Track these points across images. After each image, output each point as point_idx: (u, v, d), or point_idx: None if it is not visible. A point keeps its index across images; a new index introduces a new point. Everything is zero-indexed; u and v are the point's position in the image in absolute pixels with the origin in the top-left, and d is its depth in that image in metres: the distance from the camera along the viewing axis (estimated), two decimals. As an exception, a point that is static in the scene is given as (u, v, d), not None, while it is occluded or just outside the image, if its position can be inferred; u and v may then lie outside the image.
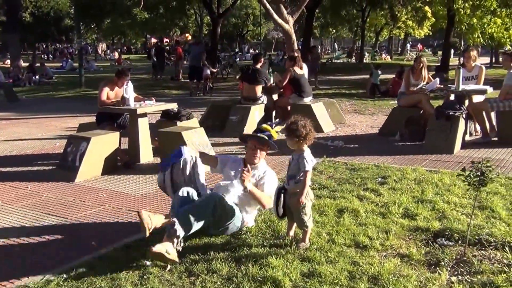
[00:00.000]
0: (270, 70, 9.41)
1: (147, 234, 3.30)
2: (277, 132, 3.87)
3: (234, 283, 2.97)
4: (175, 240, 3.28)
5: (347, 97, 13.63)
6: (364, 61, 34.66)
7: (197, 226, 3.42)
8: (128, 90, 6.33)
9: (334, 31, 45.43)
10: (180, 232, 3.29)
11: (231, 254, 3.36)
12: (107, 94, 6.58)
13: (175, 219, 3.33)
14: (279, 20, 10.71)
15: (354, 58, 39.25)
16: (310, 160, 3.42)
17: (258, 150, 3.80)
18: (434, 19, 30.37)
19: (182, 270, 3.19)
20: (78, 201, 4.89)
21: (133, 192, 5.19)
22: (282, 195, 3.44)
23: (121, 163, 6.29)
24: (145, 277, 3.08)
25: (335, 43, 65.04)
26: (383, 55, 42.28)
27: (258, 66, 8.74)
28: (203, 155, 4.01)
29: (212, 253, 3.38)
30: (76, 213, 4.50)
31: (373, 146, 7.11)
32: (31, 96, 16.11)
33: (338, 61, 39.51)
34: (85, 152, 5.72)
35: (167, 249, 3.20)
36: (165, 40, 50.68)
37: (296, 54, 9.15)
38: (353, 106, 11.79)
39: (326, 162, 6.06)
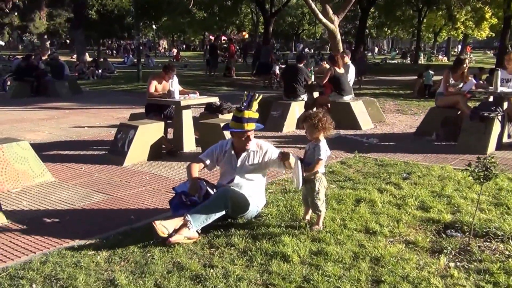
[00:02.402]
0: (312, 68, 9.64)
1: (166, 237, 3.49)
2: (256, 104, 3.88)
3: (248, 255, 3.30)
4: (190, 226, 3.55)
5: (393, 97, 13.57)
6: (419, 62, 33.86)
7: (209, 221, 3.64)
8: (173, 84, 6.79)
9: (389, 31, 44.61)
10: (195, 227, 3.56)
11: (249, 232, 3.68)
12: (155, 87, 7.08)
13: (190, 220, 3.54)
14: (324, 20, 10.88)
15: (409, 59, 38.38)
16: (324, 150, 3.68)
17: (250, 138, 3.90)
18: (496, 20, 29.19)
19: (205, 242, 3.55)
20: (124, 181, 5.39)
21: (173, 176, 5.62)
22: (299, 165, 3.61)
23: (165, 150, 6.76)
24: (171, 246, 3.46)
25: (390, 44, 63.66)
26: (440, 57, 41.04)
27: (301, 65, 8.99)
28: (193, 177, 3.94)
29: (233, 230, 3.72)
30: (121, 191, 4.99)
31: (407, 144, 7.19)
32: (93, 88, 17.14)
33: (393, 61, 38.81)
34: (133, 139, 6.22)
35: (185, 235, 3.50)
36: (223, 38, 51.62)
37: (344, 54, 9.32)
38: (397, 106, 11.77)
39: (357, 157, 6.25)
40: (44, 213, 4.33)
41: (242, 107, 3.89)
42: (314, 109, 9.07)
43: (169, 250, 3.42)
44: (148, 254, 3.36)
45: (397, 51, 52.40)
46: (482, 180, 3.28)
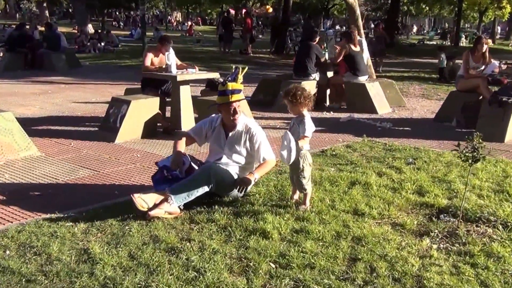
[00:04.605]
0: (325, 45, 9.83)
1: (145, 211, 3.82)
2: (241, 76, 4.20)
3: (228, 231, 3.60)
4: (171, 201, 3.87)
5: (421, 81, 13.66)
6: (461, 44, 33.46)
7: (191, 198, 3.95)
8: (170, 57, 7.07)
9: (427, 8, 44.11)
10: (176, 203, 3.88)
11: (233, 209, 3.98)
12: (152, 60, 7.37)
13: (170, 196, 3.86)
14: (343, -7, 11.01)
15: (449, 40, 37.97)
16: (310, 126, 3.94)
17: (236, 110, 4.17)
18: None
19: (186, 218, 3.86)
20: (113, 158, 5.74)
21: (167, 155, 5.90)
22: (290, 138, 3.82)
23: (162, 128, 7.08)
24: (151, 220, 3.78)
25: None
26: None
27: (314, 43, 9.21)
28: (177, 151, 4.30)
29: (216, 207, 4.02)
30: (108, 168, 5.34)
31: (424, 130, 7.39)
32: (94, 63, 17.58)
33: (431, 42, 38.45)
34: (125, 114, 6.56)
35: (165, 210, 3.82)
36: (243, 11, 51.51)
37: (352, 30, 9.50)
38: (423, 90, 11.89)
39: (365, 141, 6.49)
40: (25, 186, 4.71)
41: (226, 81, 4.16)
42: (328, 91, 9.38)
43: (148, 224, 3.74)
44: (126, 227, 3.68)
45: (438, 31, 51.78)
46: (471, 162, 3.50)
